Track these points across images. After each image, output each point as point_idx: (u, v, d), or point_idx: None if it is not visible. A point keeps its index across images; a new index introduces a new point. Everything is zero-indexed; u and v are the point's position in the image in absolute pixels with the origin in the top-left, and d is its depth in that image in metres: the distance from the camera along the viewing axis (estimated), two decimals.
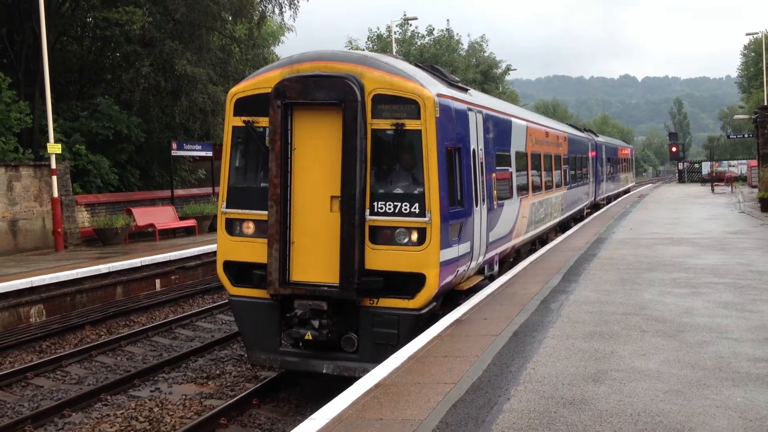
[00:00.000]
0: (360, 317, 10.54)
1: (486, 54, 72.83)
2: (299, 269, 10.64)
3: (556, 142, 22.08)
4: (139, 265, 20.22)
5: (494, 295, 12.48)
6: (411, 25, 62.53)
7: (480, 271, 13.26)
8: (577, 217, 28.62)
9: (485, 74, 69.46)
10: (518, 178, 16.21)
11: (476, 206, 12.18)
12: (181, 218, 28.88)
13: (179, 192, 31.87)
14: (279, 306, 10.82)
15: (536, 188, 18.48)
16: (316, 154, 10.58)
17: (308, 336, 10.45)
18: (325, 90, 10.38)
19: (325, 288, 10.42)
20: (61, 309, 17.45)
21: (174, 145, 29.09)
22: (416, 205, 10.31)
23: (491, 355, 8.57)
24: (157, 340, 15.38)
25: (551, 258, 17.22)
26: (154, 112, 31.02)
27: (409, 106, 10.31)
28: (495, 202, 13.73)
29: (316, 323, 10.43)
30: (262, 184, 11.02)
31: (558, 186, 21.90)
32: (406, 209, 10.34)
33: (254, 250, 10.87)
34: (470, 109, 12.43)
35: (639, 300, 11.68)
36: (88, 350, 14.17)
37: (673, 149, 71.66)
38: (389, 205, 10.38)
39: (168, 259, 21.29)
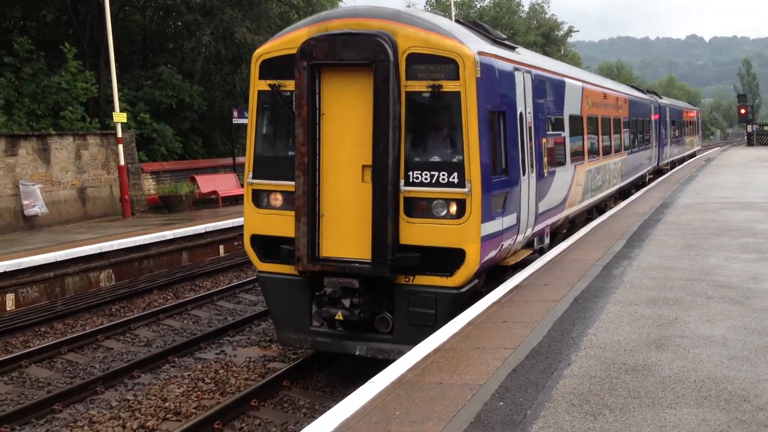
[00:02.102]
0: (395, 296, 9.87)
1: (547, 16, 71.55)
2: (329, 244, 9.98)
3: (615, 105, 21.06)
4: (203, 231, 20.62)
5: (555, 261, 12.38)
6: None
7: (529, 244, 12.54)
8: (639, 184, 27.71)
9: (546, 36, 68.26)
10: (572, 143, 15.21)
11: (523, 175, 11.35)
12: (243, 185, 29.23)
13: (241, 159, 32.17)
14: (309, 283, 10.20)
15: (593, 154, 17.45)
16: (347, 119, 9.83)
17: (339, 316, 9.81)
18: (354, 49, 9.54)
19: (357, 264, 9.74)
20: (129, 274, 17.95)
21: (235, 113, 29.37)
22: (455, 174, 9.53)
23: (551, 320, 8.52)
24: (222, 304, 15.72)
25: (614, 224, 16.96)
26: (216, 80, 31.37)
27: (447, 65, 9.46)
28: (546, 170, 12.84)
29: (347, 302, 9.77)
30: (290, 153, 10.24)
31: (617, 151, 20.86)
32: (443, 179, 9.56)
33: (283, 224, 10.22)
34: (517, 69, 11.54)
35: (705, 265, 11.44)
36: (155, 314, 14.58)
37: (742, 111, 69.46)
38: (425, 174, 9.61)
39: (231, 226, 21.64)
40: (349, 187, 9.84)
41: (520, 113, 11.49)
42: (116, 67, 24.37)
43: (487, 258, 10.02)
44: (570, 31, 74.51)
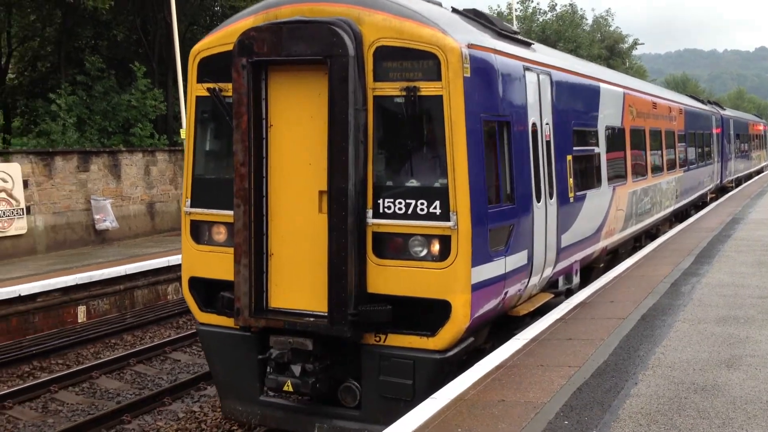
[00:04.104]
0: (361, 360, 7.84)
1: (611, 28, 70.62)
2: (279, 292, 8.01)
3: (667, 116, 18.53)
4: None
5: (621, 278, 12.19)
6: (533, 1, 61.43)
7: (552, 285, 10.38)
8: (699, 204, 25.34)
9: (611, 49, 67.40)
10: (610, 160, 12.75)
11: (538, 201, 9.18)
12: None
13: None
14: (259, 340, 8.18)
15: (638, 172, 14.83)
16: (301, 132, 7.89)
17: (287, 386, 7.84)
18: (305, 41, 7.55)
19: (311, 319, 7.73)
20: None
21: None
22: (437, 203, 7.47)
23: (618, 338, 8.39)
24: None
25: (682, 240, 16.61)
26: None
27: (425, 62, 7.41)
28: (572, 194, 10.56)
29: (297, 369, 7.79)
30: None
31: (671, 168, 18.32)
32: (422, 209, 7.51)
33: (227, 264, 8.08)
34: (528, 69, 9.25)
35: None
36: None
37: None
38: (400, 203, 7.59)
39: None
40: (303, 218, 7.90)
41: (533, 124, 9.31)
42: (183, 85, 24.95)
43: (483, 311, 7.93)
44: (635, 43, 73.43)
